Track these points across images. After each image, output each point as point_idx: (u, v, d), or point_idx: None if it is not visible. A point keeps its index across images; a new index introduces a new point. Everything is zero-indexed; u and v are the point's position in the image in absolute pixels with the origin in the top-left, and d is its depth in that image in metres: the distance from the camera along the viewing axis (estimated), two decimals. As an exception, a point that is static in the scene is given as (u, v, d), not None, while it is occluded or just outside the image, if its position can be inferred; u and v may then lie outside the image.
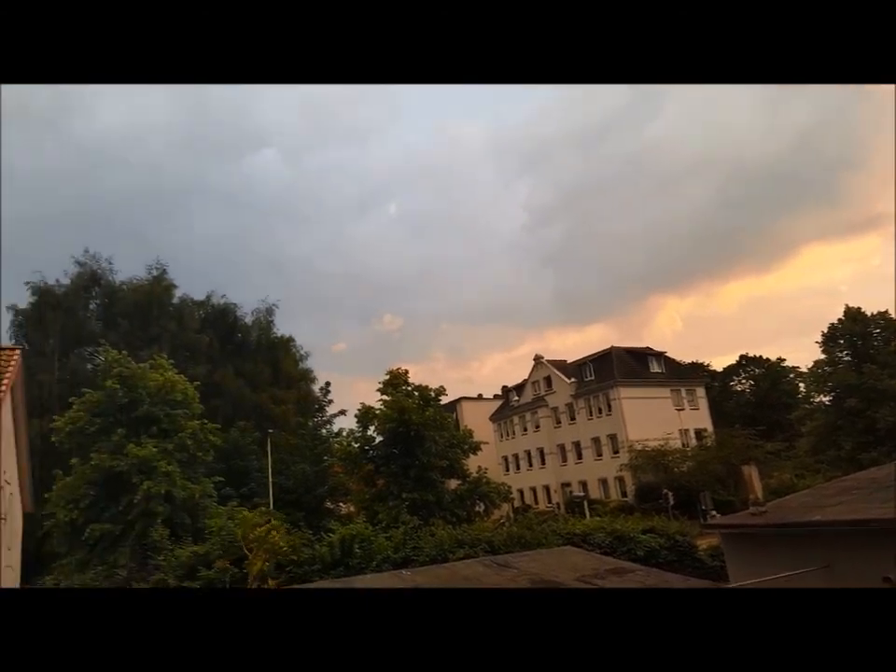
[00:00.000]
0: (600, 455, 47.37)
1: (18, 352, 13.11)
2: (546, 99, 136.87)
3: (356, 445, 28.60)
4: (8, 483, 13.71)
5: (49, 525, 24.19)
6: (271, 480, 31.67)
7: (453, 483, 28.05)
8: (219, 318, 50.98)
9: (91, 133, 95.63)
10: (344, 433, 32.06)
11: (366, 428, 28.50)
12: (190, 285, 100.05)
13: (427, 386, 28.66)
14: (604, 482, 46.51)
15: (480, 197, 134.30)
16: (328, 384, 41.34)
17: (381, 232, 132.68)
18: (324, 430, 39.81)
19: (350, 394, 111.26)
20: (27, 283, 42.36)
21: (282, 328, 55.58)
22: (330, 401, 40.61)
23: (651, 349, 51.62)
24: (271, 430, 35.43)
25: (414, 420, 26.01)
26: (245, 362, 48.31)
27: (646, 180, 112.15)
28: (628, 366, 48.29)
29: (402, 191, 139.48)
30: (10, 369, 12.05)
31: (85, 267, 44.93)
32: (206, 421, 27.59)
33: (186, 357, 42.76)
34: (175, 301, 48.12)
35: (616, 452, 45.20)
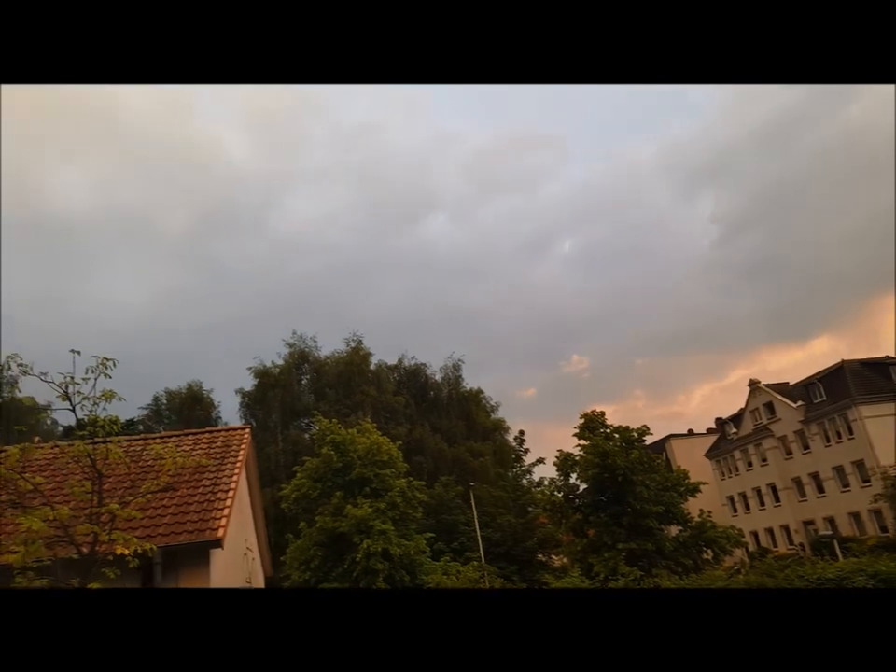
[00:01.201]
0: (847, 485, 40.88)
1: (248, 430, 14.51)
2: (714, 105, 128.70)
3: (559, 494, 27.46)
4: (250, 550, 15.00)
5: (287, 586, 26.27)
6: (479, 533, 31.57)
7: (673, 530, 25.58)
8: (412, 379, 54.05)
9: (285, 224, 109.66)
10: (546, 482, 31.08)
11: (567, 476, 27.29)
12: (384, 350, 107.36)
13: (627, 427, 26.87)
14: (856, 516, 40.01)
15: (659, 219, 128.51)
16: (521, 432, 40.90)
17: (557, 272, 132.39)
18: (524, 480, 39.12)
19: (545, 440, 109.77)
20: (249, 368, 48.93)
21: (471, 381, 57.18)
22: (527, 450, 39.92)
23: (892, 357, 44.04)
24: (472, 483, 35.60)
25: (619, 464, 24.32)
26: (440, 418, 50.11)
27: (848, 172, 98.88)
28: (866, 380, 41.57)
29: (575, 228, 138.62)
30: (243, 446, 13.32)
31: (294, 347, 50.78)
32: (412, 478, 28.44)
33: (386, 418, 45.54)
34: (372, 367, 51.82)
35: (866, 480, 38.84)
